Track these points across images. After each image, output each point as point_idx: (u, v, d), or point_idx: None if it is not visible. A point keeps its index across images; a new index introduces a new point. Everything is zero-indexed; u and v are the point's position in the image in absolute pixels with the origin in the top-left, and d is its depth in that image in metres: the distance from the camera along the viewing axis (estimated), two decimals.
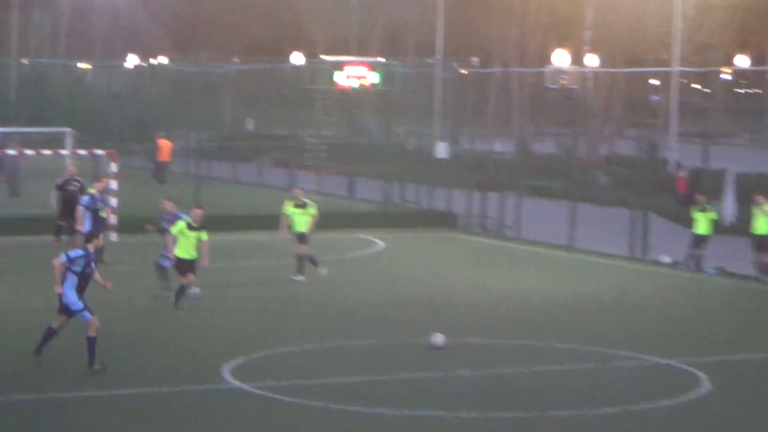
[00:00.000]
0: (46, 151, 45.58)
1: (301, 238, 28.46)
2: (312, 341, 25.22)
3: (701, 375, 22.15)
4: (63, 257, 20.94)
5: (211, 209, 31.26)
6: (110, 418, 19.62)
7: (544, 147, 64.65)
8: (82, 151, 43.99)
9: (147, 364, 22.82)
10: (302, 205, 28.09)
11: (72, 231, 33.01)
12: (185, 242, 27.02)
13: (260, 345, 24.42)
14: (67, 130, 47.76)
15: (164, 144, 53.93)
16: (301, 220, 28.00)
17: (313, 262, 31.13)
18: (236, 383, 21.32)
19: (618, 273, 34.65)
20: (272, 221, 30.16)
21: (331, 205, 43.43)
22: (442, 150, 45.91)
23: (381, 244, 38.14)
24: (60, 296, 21.08)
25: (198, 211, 27.52)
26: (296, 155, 55.36)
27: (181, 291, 23.25)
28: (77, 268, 21.09)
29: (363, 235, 40.03)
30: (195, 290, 28.97)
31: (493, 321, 27.59)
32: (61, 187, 37.92)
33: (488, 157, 50.23)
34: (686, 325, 27.80)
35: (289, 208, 27.89)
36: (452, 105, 52.81)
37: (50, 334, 21.37)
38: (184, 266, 26.95)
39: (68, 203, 36.54)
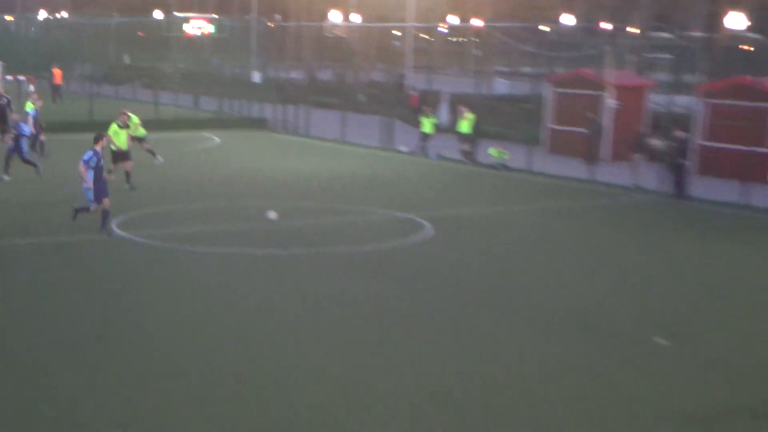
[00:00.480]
0: None
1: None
2: (175, 204, 25.57)
3: (428, 224, 23.59)
4: (81, 162, 20.70)
5: (100, 117, 31.27)
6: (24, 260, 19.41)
7: (325, 75, 66.23)
8: (9, 77, 42.75)
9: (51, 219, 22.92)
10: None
11: (3, 131, 31.74)
12: (118, 138, 26.40)
13: (135, 207, 24.49)
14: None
15: (57, 71, 52.87)
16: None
17: (152, 153, 31.60)
18: (122, 233, 21.43)
19: (373, 158, 36.79)
20: (143, 124, 30.14)
21: (183, 114, 44.40)
22: (257, 77, 46.82)
23: (217, 140, 38.80)
24: (88, 189, 20.84)
25: (123, 116, 27.25)
26: (158, 80, 57.65)
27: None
28: (92, 164, 20.76)
29: (205, 134, 40.87)
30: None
31: (294, 189, 28.57)
32: None
33: (287, 82, 51.13)
34: (418, 192, 29.40)
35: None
36: (263, 47, 53.87)
37: (106, 215, 20.95)
38: (122, 155, 26.66)
39: (0, 113, 36.55)
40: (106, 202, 20.93)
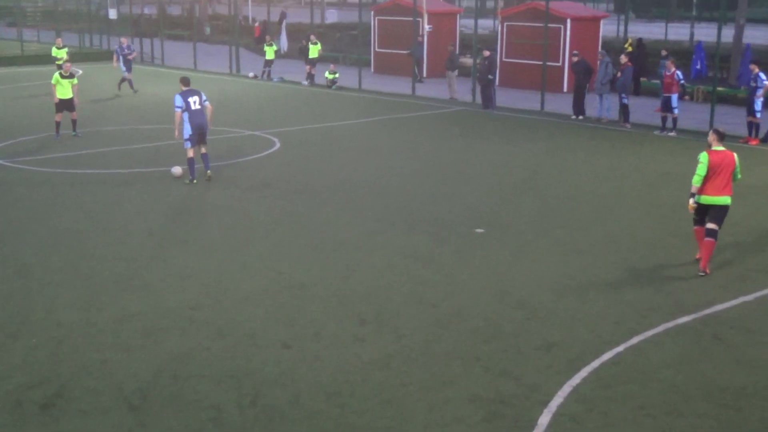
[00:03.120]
0: None
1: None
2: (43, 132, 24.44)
3: (275, 139, 23.70)
4: (177, 110, 18.05)
5: None
6: None
7: (175, 10, 63.93)
8: None
9: None
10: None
11: None
12: (61, 88, 23.18)
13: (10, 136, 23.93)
14: None
15: None
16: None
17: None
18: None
19: (223, 84, 36.11)
20: (9, 60, 28.47)
21: (46, 49, 42.05)
22: (112, 14, 44.54)
23: (80, 71, 37.31)
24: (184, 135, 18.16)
25: (67, 66, 23.84)
26: (22, 19, 52.39)
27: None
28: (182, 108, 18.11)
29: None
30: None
31: (153, 114, 27.35)
32: None
33: (141, 17, 48.90)
34: (265, 112, 29.04)
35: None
36: None
37: (192, 163, 18.30)
38: (64, 104, 23.47)
39: None
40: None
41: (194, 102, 18.01)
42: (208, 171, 18.57)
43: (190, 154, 18.30)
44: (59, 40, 34.95)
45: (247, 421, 8.61)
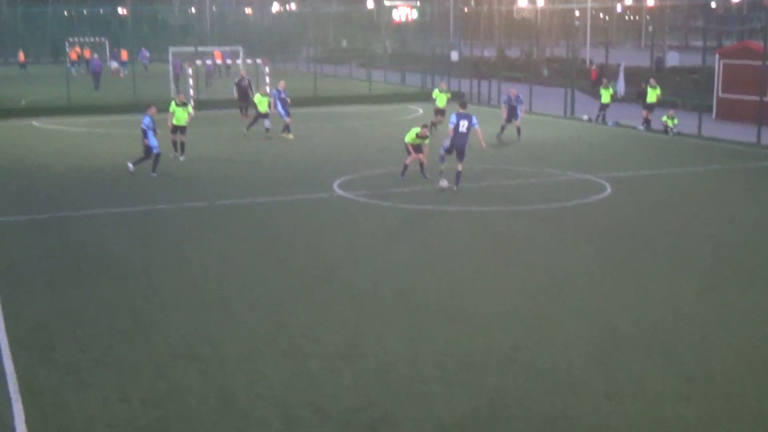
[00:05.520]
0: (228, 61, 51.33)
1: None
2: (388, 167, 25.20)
3: (606, 184, 23.16)
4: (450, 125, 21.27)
5: (323, 92, 31.23)
6: (246, 216, 20.15)
7: (513, 53, 65.66)
8: (249, 60, 44.06)
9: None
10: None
11: (245, 109, 30.77)
12: (179, 114, 26.40)
13: (353, 171, 24.69)
14: (239, 48, 48.68)
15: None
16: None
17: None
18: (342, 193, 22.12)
19: (557, 126, 36.15)
20: (359, 98, 30.22)
21: (391, 89, 45.10)
22: (454, 55, 46.81)
23: (421, 110, 39.11)
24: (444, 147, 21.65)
25: (181, 96, 27.55)
26: (371, 60, 59.56)
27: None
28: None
29: (411, 106, 40.58)
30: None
31: (488, 153, 26.99)
32: (237, 84, 38.48)
33: (481, 59, 50.88)
34: (597, 156, 28.82)
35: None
36: (459, 29, 54.33)
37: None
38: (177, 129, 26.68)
39: (242, 93, 37.41)
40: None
41: (463, 125, 20.73)
42: (455, 186, 21.12)
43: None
44: (443, 84, 35.15)
45: None
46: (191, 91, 39.81)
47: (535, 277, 14.73)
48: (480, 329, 12.14)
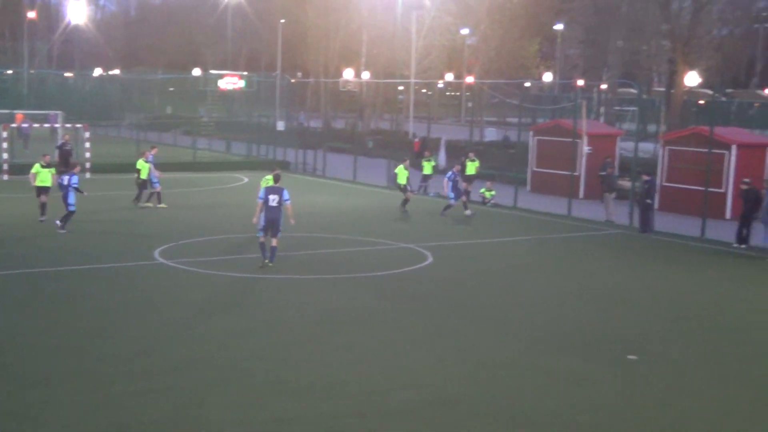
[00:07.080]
0: (46, 125, 48.76)
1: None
2: (213, 235, 24.98)
3: (428, 253, 23.50)
4: (259, 200, 20.25)
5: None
6: (82, 283, 19.41)
7: (339, 124, 66.25)
8: (68, 125, 43.03)
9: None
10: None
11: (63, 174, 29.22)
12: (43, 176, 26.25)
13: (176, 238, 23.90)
14: (59, 112, 48.48)
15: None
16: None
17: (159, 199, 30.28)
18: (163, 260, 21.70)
19: (380, 196, 36.18)
20: (183, 166, 29.80)
21: (217, 157, 44.48)
22: (280, 125, 46.65)
23: (246, 179, 38.71)
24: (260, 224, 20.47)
25: (47, 158, 27.00)
26: (196, 128, 56.12)
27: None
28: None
29: (236, 174, 41.00)
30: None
31: (311, 222, 27.70)
32: (59, 147, 38.17)
33: (307, 129, 51.02)
34: (418, 226, 29.12)
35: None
36: (286, 99, 54.08)
37: (263, 247, 20.55)
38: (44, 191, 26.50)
39: (64, 157, 36.40)
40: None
41: (273, 199, 19.95)
42: (269, 262, 20.18)
43: (261, 239, 20.47)
44: (406, 161, 33.12)
45: None
46: (5, 155, 38.19)
47: (362, 343, 14.69)
48: (304, 398, 11.91)
